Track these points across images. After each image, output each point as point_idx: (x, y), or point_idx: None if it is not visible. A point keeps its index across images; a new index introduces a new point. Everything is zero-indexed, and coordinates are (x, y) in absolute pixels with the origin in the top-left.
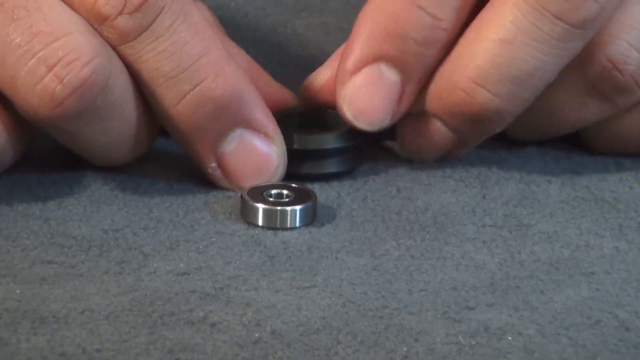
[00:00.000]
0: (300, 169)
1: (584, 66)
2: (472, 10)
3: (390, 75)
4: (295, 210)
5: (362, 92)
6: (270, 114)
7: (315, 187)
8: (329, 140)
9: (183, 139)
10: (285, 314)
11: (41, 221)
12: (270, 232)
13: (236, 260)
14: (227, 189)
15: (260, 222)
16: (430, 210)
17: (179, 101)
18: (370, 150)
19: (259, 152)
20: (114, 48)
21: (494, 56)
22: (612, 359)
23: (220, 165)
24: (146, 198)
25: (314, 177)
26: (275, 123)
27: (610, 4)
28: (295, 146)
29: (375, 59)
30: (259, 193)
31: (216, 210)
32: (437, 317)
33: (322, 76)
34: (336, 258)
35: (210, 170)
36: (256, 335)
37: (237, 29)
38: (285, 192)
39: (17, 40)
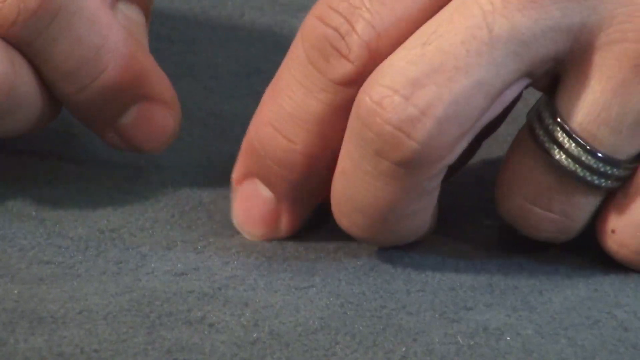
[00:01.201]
0: None
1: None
2: (332, 135)
3: (264, 191)
4: None
5: (242, 203)
6: (166, 79)
7: None
8: None
9: (82, 118)
10: (284, 314)
11: (37, 221)
12: None
13: (234, 261)
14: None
15: None
16: None
17: (80, 92)
18: None
19: (157, 120)
20: (17, 47)
21: (341, 187)
22: (611, 359)
23: (119, 134)
24: (141, 198)
25: None
26: (171, 88)
27: (434, 140)
28: None
29: (251, 174)
30: None
31: (212, 210)
32: (435, 317)
33: None
34: (334, 258)
35: (109, 139)
36: (254, 335)
37: (233, 29)
38: None
39: None
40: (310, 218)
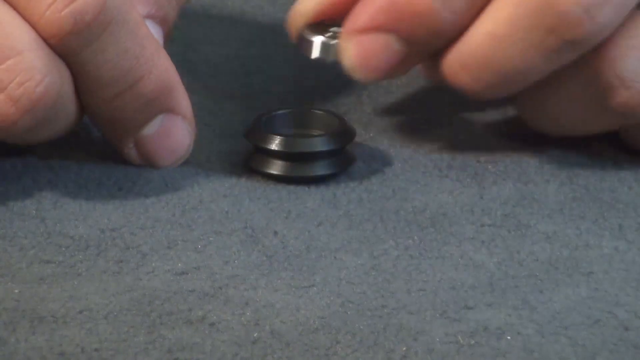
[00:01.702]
0: (288, 171)
1: (592, 81)
2: (484, 4)
3: (396, 45)
4: None
5: (368, 52)
6: (186, 94)
7: (311, 188)
8: (317, 143)
9: (106, 126)
10: (284, 314)
11: (37, 221)
12: (268, 230)
13: (234, 260)
14: (137, 165)
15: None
16: (428, 210)
17: (112, 99)
18: (359, 152)
19: (177, 134)
20: (63, 57)
21: (483, 47)
22: (611, 359)
23: (138, 146)
24: (142, 197)
25: (300, 180)
26: (189, 103)
27: (610, 23)
28: (282, 148)
29: (387, 30)
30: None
31: (213, 209)
32: (436, 316)
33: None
34: (335, 257)
35: (126, 150)
36: (255, 334)
37: (233, 28)
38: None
39: None
40: (312, 216)
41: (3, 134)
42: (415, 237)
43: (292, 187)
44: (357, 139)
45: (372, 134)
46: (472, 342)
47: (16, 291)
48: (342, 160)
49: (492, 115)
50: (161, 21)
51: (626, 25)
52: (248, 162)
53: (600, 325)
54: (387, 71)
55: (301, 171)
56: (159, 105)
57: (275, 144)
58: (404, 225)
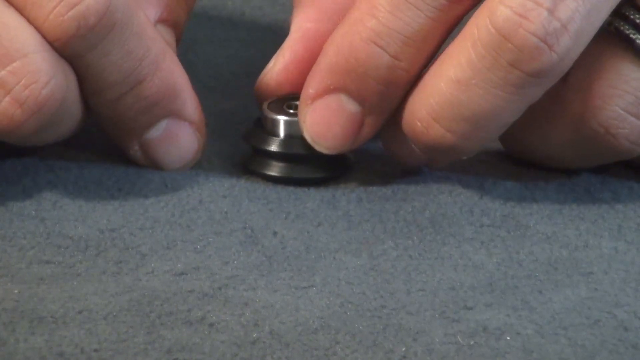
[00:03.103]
0: (285, 172)
1: (577, 129)
2: (433, 52)
3: (350, 106)
4: None
5: (322, 118)
6: (197, 100)
7: (310, 189)
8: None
9: (110, 128)
10: (284, 314)
11: (37, 221)
12: (268, 231)
13: (234, 260)
14: (142, 165)
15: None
16: (428, 210)
17: (116, 101)
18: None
19: (183, 140)
20: (68, 60)
21: (449, 95)
22: (611, 359)
23: (143, 150)
24: (141, 198)
25: (297, 182)
26: (200, 110)
27: (569, 52)
28: (281, 150)
29: (336, 89)
30: (279, 106)
31: (212, 209)
32: (435, 317)
33: (272, 73)
34: (334, 258)
35: (131, 152)
36: (254, 335)
37: (234, 29)
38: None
39: None
40: (311, 217)
41: (9, 136)
42: (415, 238)
43: (291, 188)
44: None
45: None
46: (472, 342)
47: (16, 291)
48: (341, 162)
49: None
50: (172, 25)
51: (606, 74)
52: (247, 164)
53: (600, 325)
54: (347, 137)
55: (299, 173)
56: (162, 108)
57: (273, 146)
58: (403, 226)
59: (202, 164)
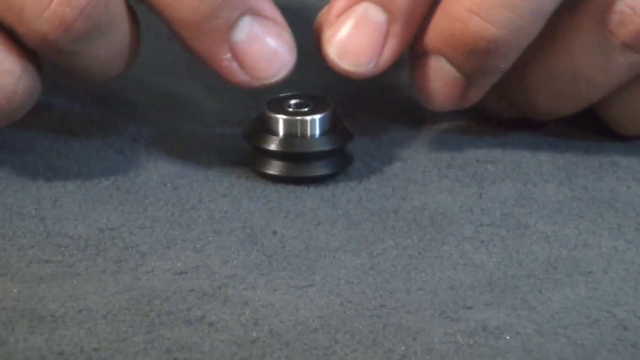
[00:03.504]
0: (284, 171)
1: (604, 15)
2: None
3: (375, 14)
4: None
5: (347, 31)
6: (273, 2)
7: (310, 188)
8: (315, 144)
9: (193, 35)
10: (283, 313)
11: (37, 220)
12: (267, 230)
13: (233, 260)
14: (243, 85)
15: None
16: (427, 209)
17: None
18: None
19: (272, 39)
20: None
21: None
22: (610, 359)
23: (235, 55)
24: (140, 197)
25: (298, 180)
26: (279, 11)
27: None
28: (278, 148)
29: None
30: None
31: (212, 208)
32: (435, 316)
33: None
34: (334, 257)
35: (225, 63)
36: (254, 334)
37: None
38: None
39: None
40: (311, 216)
41: (63, 42)
42: (414, 237)
43: (291, 187)
44: (357, 138)
45: (372, 134)
46: (471, 341)
47: (15, 291)
48: (340, 160)
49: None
50: None
51: None
52: (246, 162)
53: (599, 325)
54: (374, 50)
55: (299, 171)
56: (239, 1)
57: (272, 145)
58: (403, 225)
59: (201, 163)
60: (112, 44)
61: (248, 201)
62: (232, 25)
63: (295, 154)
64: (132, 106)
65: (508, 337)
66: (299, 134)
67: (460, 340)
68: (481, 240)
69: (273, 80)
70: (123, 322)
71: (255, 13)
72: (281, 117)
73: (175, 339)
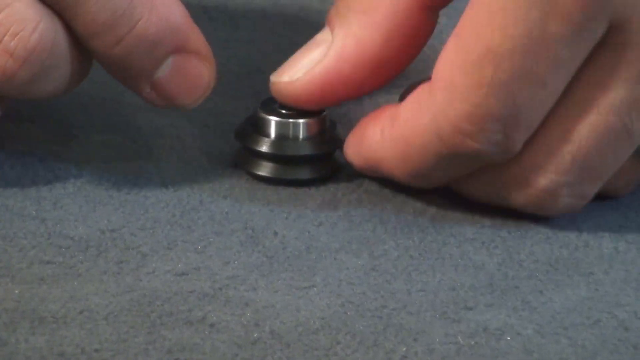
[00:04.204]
0: (275, 173)
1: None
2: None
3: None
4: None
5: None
6: (199, 32)
7: (311, 189)
8: (305, 147)
9: (118, 74)
10: (284, 314)
11: (38, 221)
12: (268, 231)
13: (234, 261)
14: (162, 108)
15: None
16: (428, 211)
17: (115, 45)
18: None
19: (192, 72)
20: (50, 4)
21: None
22: (611, 359)
23: (156, 89)
24: (141, 198)
25: (287, 183)
26: (205, 41)
27: None
28: (270, 150)
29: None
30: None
31: (213, 210)
32: (436, 317)
33: (298, 83)
34: (335, 258)
35: (145, 95)
36: (255, 335)
37: (234, 29)
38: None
39: None
40: (312, 217)
41: (6, 89)
42: (415, 238)
43: (291, 189)
44: None
45: None
46: (472, 342)
47: (16, 292)
48: (330, 164)
49: None
50: None
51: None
52: (237, 162)
53: (600, 325)
54: None
55: (289, 174)
56: (166, 46)
57: (264, 146)
58: (404, 226)
59: (202, 165)
60: (59, 77)
61: (249, 203)
62: (157, 67)
63: (286, 156)
64: (132, 108)
65: (509, 338)
66: (290, 136)
67: (461, 341)
68: (482, 241)
69: (192, 106)
70: (124, 323)
71: (179, 50)
72: (273, 119)
73: (176, 340)
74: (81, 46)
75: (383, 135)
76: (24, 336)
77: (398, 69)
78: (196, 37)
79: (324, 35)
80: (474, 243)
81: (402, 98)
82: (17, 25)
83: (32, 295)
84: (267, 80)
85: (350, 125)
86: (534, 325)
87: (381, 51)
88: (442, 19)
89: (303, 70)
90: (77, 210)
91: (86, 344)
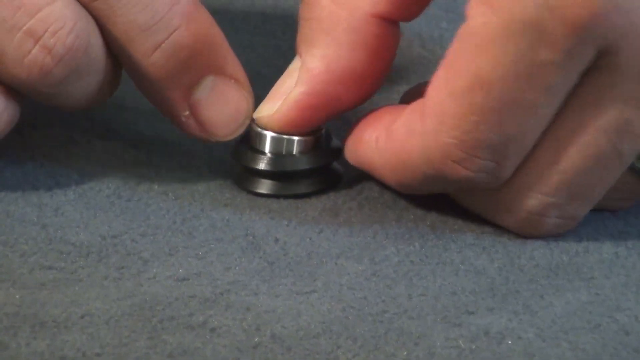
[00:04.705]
0: (273, 190)
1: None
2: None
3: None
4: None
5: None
6: (237, 59)
7: (312, 198)
8: (301, 162)
9: (155, 89)
10: (285, 319)
11: (39, 227)
12: (269, 238)
13: (236, 266)
14: (198, 139)
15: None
16: (429, 217)
17: (153, 51)
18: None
19: (232, 98)
20: (87, 5)
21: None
22: None
23: (194, 113)
24: (142, 205)
25: (286, 198)
26: (242, 68)
27: None
28: (265, 167)
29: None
30: None
31: (214, 217)
32: (437, 321)
33: (276, 115)
34: (336, 263)
35: (183, 119)
36: (256, 339)
37: (235, 32)
38: None
39: (1, 15)
40: (313, 224)
41: (37, 85)
42: (416, 244)
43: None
44: None
45: None
46: (473, 346)
47: (17, 297)
48: (329, 177)
49: None
50: None
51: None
52: (235, 182)
53: (601, 329)
54: None
55: (287, 189)
56: (204, 62)
57: (261, 164)
58: (405, 232)
59: (203, 172)
60: (91, 84)
61: (250, 210)
62: (195, 84)
63: (283, 172)
64: (134, 114)
65: (510, 342)
66: (284, 152)
67: (462, 345)
68: (483, 246)
69: (228, 138)
70: (125, 328)
71: (218, 72)
72: (269, 134)
73: (177, 344)
74: (113, 56)
75: (377, 145)
76: (25, 340)
77: (373, 82)
78: (234, 62)
79: (295, 64)
80: (474, 248)
81: (403, 100)
82: (56, 24)
83: (33, 300)
84: (267, 84)
85: (350, 124)
86: (535, 329)
87: (349, 65)
88: (443, 23)
89: (280, 101)
90: (78, 216)
91: (87, 348)
